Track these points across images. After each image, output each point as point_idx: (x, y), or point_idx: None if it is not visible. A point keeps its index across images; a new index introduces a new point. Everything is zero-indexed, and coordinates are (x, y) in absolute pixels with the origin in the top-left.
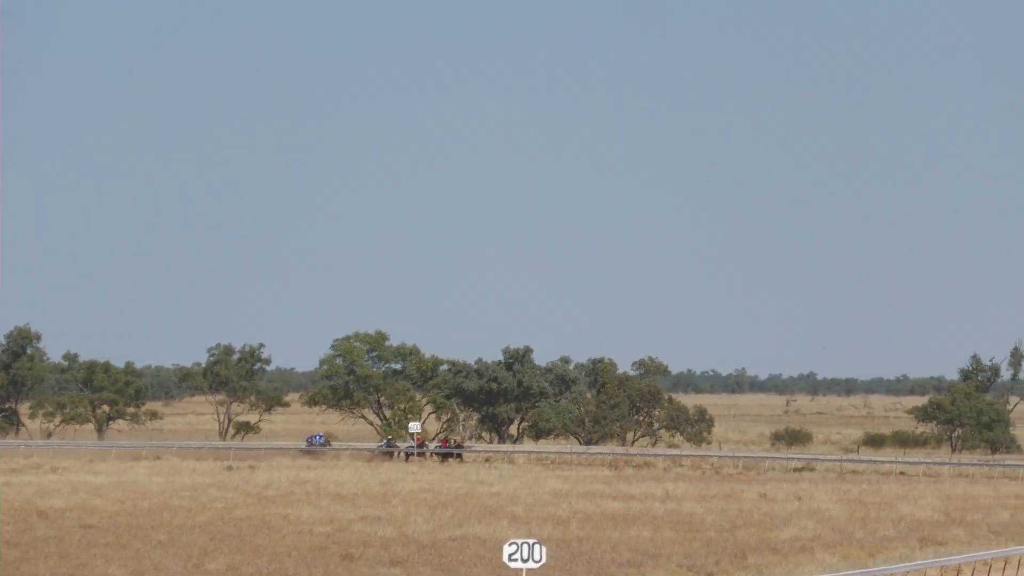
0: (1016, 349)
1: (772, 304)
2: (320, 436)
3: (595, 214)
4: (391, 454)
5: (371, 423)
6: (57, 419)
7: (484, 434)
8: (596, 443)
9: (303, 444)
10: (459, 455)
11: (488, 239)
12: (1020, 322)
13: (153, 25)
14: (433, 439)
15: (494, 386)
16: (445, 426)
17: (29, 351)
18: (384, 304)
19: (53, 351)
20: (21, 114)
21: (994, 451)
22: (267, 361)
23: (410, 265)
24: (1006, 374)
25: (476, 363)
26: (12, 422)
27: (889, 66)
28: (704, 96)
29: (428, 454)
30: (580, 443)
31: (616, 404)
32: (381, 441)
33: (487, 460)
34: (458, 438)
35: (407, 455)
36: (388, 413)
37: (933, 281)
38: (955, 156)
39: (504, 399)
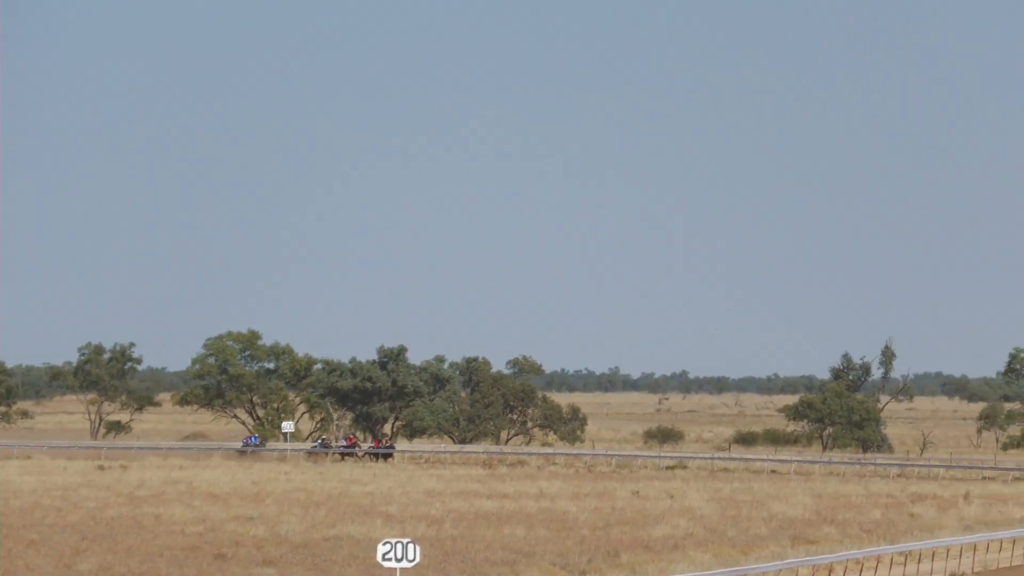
0: (887, 348)
1: (645, 303)
2: (255, 437)
3: (468, 213)
4: (325, 454)
5: (243, 423)
6: None
7: (358, 433)
8: (470, 442)
9: (238, 445)
10: (391, 455)
11: (362, 237)
12: (891, 321)
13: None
14: (307, 437)
15: (368, 385)
16: (319, 425)
17: None
18: (257, 303)
19: None
20: None
21: (865, 450)
22: (138, 360)
23: (283, 263)
24: (877, 373)
25: (350, 362)
26: None
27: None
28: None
29: (361, 454)
30: (454, 442)
31: (490, 403)
32: (315, 441)
33: (362, 460)
34: (387, 438)
35: (342, 455)
36: (261, 413)
37: (804, 280)
38: (823, 159)
39: (378, 398)
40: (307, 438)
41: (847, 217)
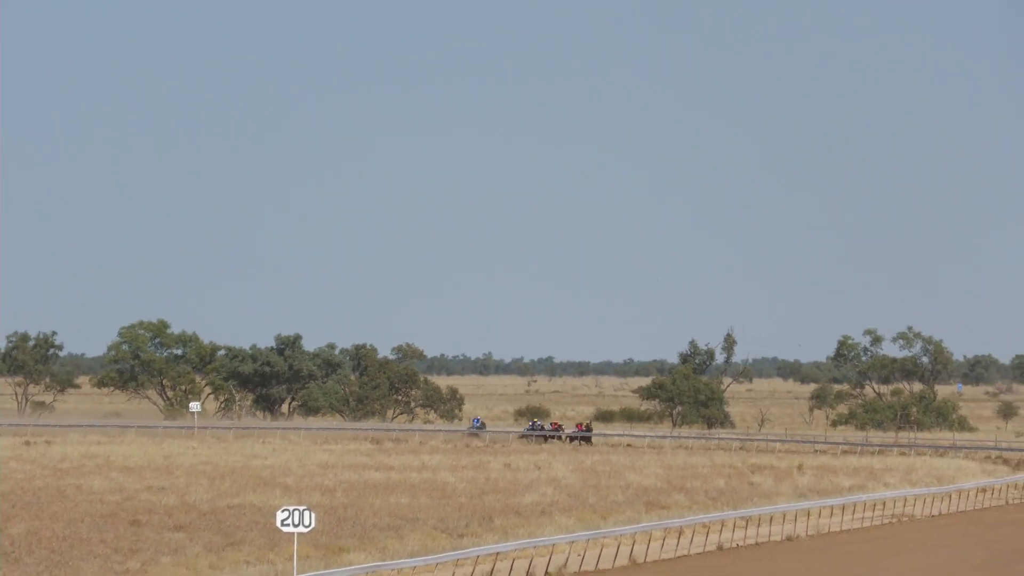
0: (728, 335)
1: (514, 294)
2: (479, 420)
3: (352, 212)
4: (529, 437)
5: (155, 403)
6: None
7: (258, 413)
8: (360, 420)
9: (467, 428)
10: (589, 439)
11: (260, 234)
12: (732, 310)
13: None
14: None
15: (267, 369)
16: (222, 405)
17: None
18: (166, 295)
19: None
20: None
21: (710, 426)
22: (59, 347)
23: (190, 257)
24: (720, 357)
25: (251, 349)
26: None
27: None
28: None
29: (564, 437)
30: (345, 420)
31: (377, 385)
32: (527, 424)
33: (262, 436)
34: (587, 422)
35: (547, 438)
36: (171, 394)
37: (653, 272)
38: (668, 152)
39: (276, 381)
40: (214, 415)
41: (692, 215)
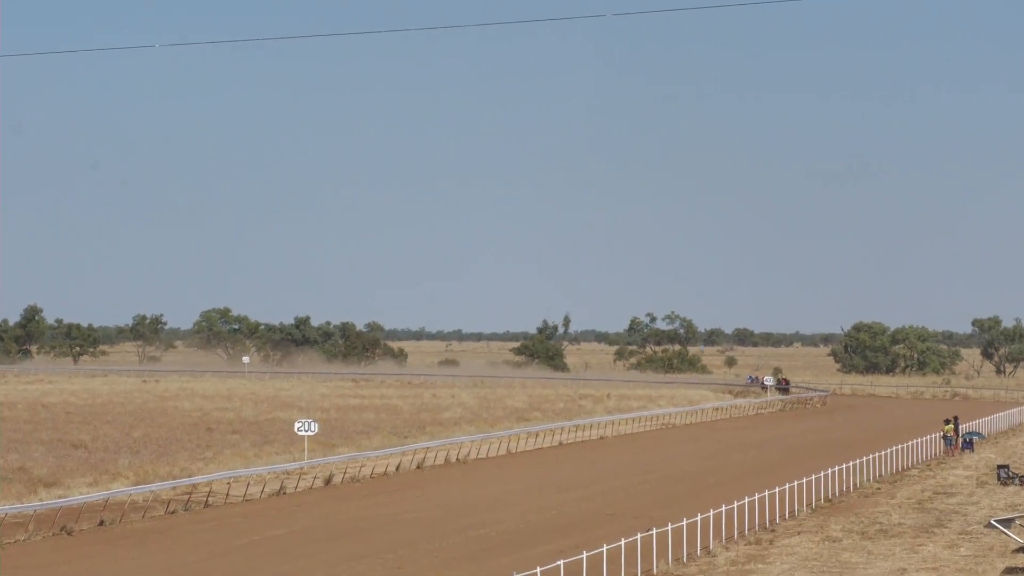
0: (566, 316)
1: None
2: (752, 376)
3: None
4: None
5: (222, 357)
6: None
7: (282, 363)
8: (344, 368)
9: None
10: (787, 390)
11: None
12: (571, 300)
13: None
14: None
15: (288, 337)
16: (261, 359)
17: None
18: (227, 287)
19: None
20: None
21: (555, 370)
22: (165, 323)
23: (236, 261)
24: (561, 329)
25: (279, 324)
26: None
27: None
28: None
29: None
30: (335, 368)
31: (355, 346)
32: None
33: (285, 378)
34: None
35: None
36: (231, 352)
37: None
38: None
39: (294, 344)
40: (257, 365)
41: (544, 219)
